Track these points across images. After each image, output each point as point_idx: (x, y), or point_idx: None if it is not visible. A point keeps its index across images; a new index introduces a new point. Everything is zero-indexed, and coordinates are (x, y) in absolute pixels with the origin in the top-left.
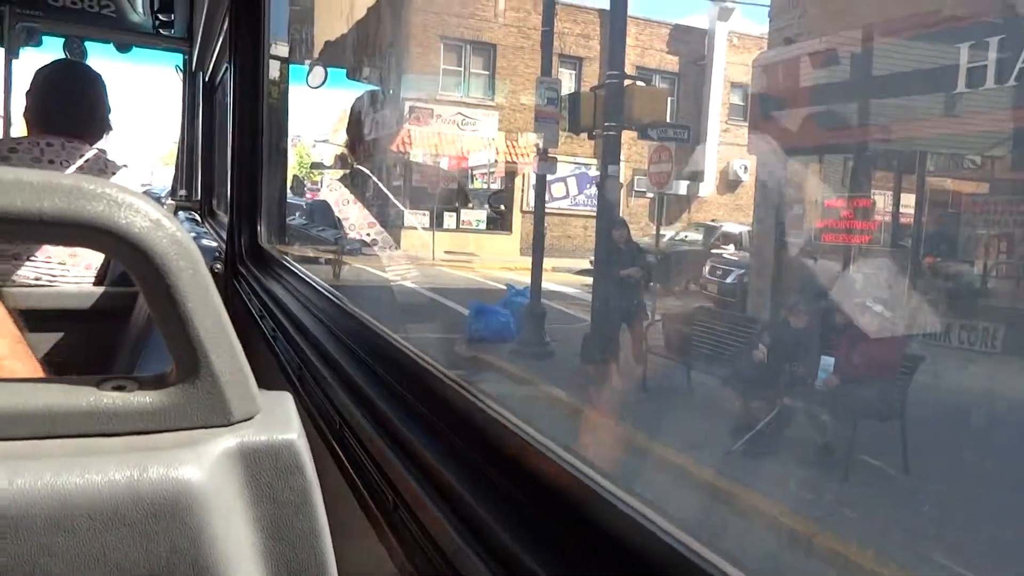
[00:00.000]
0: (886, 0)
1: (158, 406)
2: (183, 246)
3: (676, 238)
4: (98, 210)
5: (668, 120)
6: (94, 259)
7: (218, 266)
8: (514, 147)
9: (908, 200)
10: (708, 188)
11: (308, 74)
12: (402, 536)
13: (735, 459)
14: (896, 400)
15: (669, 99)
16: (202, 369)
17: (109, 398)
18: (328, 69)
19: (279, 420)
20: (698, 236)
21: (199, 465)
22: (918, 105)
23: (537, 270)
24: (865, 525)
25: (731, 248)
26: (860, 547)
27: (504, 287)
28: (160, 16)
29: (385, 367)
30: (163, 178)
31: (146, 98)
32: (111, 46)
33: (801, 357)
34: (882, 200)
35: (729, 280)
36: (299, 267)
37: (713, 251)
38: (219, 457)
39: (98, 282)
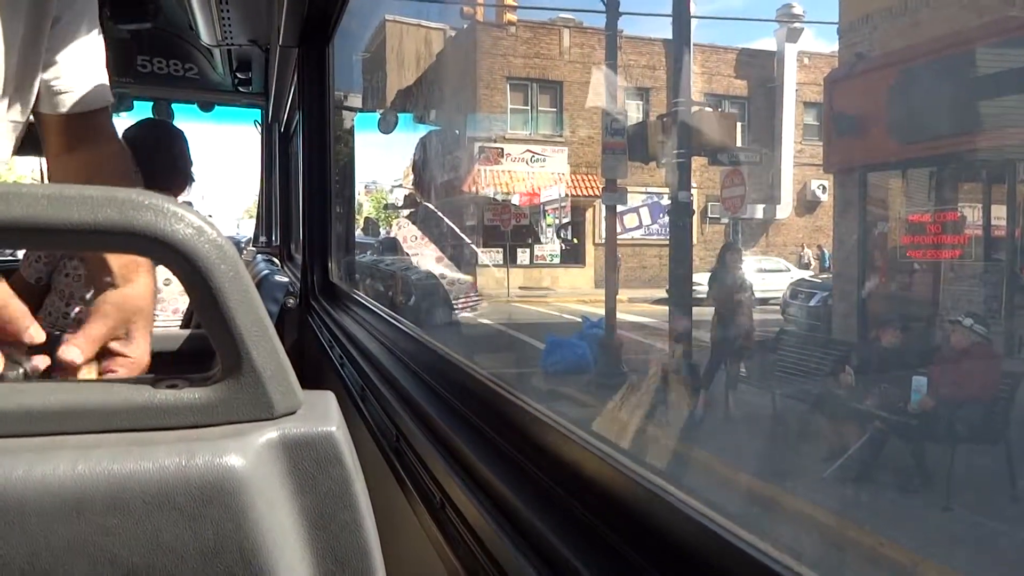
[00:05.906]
0: (959, 9)
1: (206, 401)
2: (224, 251)
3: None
4: (146, 219)
5: (739, 144)
6: (180, 304)
7: (291, 301)
8: (584, 180)
9: (1000, 212)
10: (785, 210)
11: (379, 121)
12: (447, 531)
13: (825, 486)
14: (998, 422)
15: (739, 123)
16: (244, 366)
17: (162, 395)
18: (399, 115)
19: (320, 414)
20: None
21: (243, 454)
22: (1004, 112)
23: (611, 301)
24: (977, 560)
25: None
26: None
27: (579, 320)
28: (239, 75)
29: (436, 378)
30: (248, 229)
31: (232, 155)
32: (195, 107)
33: (891, 378)
34: (971, 213)
35: (812, 303)
36: (365, 297)
37: None
38: (262, 447)
39: (184, 325)
